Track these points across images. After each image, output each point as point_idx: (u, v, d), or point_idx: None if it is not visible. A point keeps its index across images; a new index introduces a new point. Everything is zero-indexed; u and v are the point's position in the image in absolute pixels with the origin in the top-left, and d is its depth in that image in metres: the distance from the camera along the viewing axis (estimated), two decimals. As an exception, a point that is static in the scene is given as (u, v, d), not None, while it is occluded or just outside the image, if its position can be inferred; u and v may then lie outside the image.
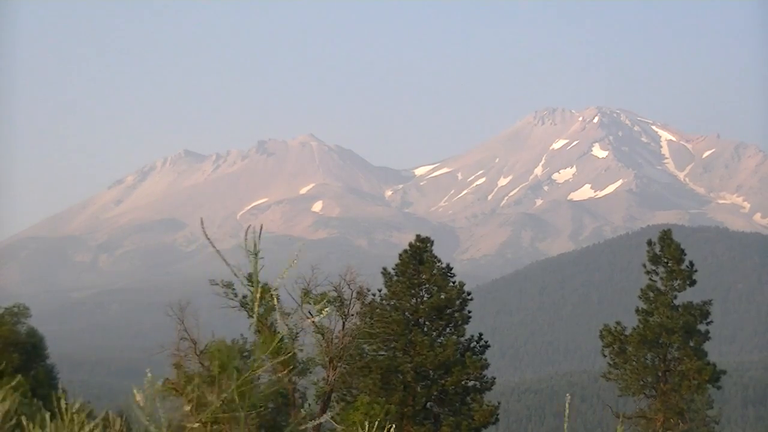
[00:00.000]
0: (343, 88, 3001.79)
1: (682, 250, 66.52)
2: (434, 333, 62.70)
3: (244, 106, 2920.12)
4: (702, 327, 65.94)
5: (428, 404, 62.21)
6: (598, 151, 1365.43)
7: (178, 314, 57.24)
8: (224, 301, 58.70)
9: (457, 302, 62.69)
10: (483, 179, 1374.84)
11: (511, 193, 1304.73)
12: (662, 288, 66.03)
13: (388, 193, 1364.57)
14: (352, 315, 61.14)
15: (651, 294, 66.23)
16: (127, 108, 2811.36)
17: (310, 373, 60.84)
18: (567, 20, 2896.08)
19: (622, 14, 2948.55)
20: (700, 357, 64.84)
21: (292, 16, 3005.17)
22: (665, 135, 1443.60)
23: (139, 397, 7.49)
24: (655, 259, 66.41)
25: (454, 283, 63.32)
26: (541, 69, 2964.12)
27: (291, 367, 59.13)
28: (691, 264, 66.39)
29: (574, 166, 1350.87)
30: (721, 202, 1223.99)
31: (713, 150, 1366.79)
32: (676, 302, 65.85)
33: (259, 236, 7.05)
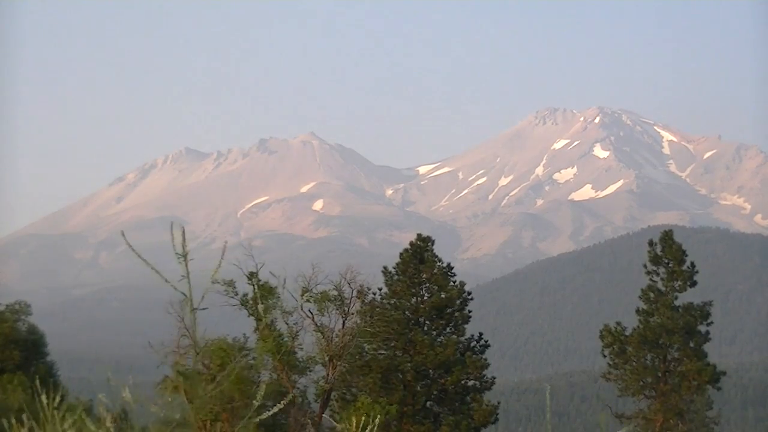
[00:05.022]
0: (345, 87, 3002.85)
1: (683, 251, 66.51)
2: (434, 332, 62.71)
3: (246, 105, 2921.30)
4: (702, 328, 65.94)
5: (428, 403, 62.21)
6: (599, 152, 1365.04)
7: (178, 312, 57.22)
8: (225, 299, 58.70)
9: (458, 302, 62.70)
10: (484, 179, 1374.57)
11: (512, 193, 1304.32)
12: (663, 289, 66.03)
13: (389, 192, 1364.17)
14: (353, 314, 61.13)
15: (651, 294, 66.24)
16: (128, 105, 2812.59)
17: (310, 371, 60.83)
18: (569, 20, 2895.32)
19: (623, 14, 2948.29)
20: (700, 358, 64.86)
21: (293, 14, 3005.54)
22: (667, 135, 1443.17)
23: (127, 394, 7.50)
24: (656, 260, 66.41)
25: (454, 282, 63.32)
26: (543, 69, 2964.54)
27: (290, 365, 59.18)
28: (692, 265, 66.39)
29: (575, 166, 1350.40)
30: (722, 203, 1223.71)
31: (714, 151, 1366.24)
32: (677, 303, 65.86)
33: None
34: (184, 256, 6.83)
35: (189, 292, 6.92)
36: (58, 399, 8.32)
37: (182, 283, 7.19)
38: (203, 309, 7.11)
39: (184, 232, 6.99)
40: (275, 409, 7.48)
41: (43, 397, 8.16)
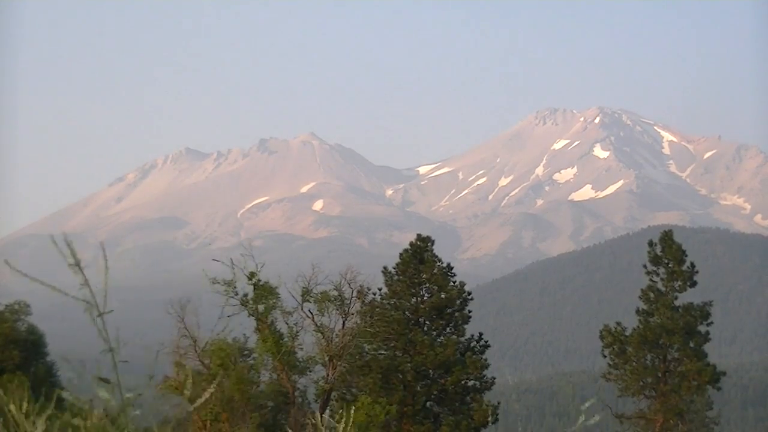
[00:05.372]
0: (345, 87, 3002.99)
1: (683, 251, 66.51)
2: (434, 332, 62.71)
3: (246, 105, 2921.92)
4: (702, 328, 65.94)
5: (428, 404, 62.21)
6: (600, 152, 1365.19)
7: (178, 312, 57.25)
8: (224, 300, 58.70)
9: (458, 302, 62.70)
10: (484, 179, 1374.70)
11: (512, 193, 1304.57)
12: (663, 289, 66.04)
13: (389, 192, 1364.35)
14: (353, 314, 61.14)
15: (651, 295, 66.24)
16: (128, 105, 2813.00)
17: (310, 371, 60.83)
18: (569, 20, 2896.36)
19: (623, 14, 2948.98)
20: (700, 358, 64.86)
21: (294, 14, 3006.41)
22: (667, 136, 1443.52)
23: (104, 394, 7.50)
24: (656, 260, 66.41)
25: (454, 282, 63.31)
26: (543, 69, 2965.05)
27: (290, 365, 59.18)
28: (692, 265, 66.38)
29: (575, 167, 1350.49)
30: (722, 203, 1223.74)
31: (714, 151, 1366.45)
32: (677, 303, 65.86)
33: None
34: (77, 264, 6.87)
35: (93, 298, 6.96)
36: (25, 405, 8.30)
37: (83, 291, 7.25)
38: (109, 312, 7.14)
39: (71, 243, 7.04)
40: (202, 398, 7.45)
41: (12, 407, 8.13)
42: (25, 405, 8.18)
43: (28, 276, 7.29)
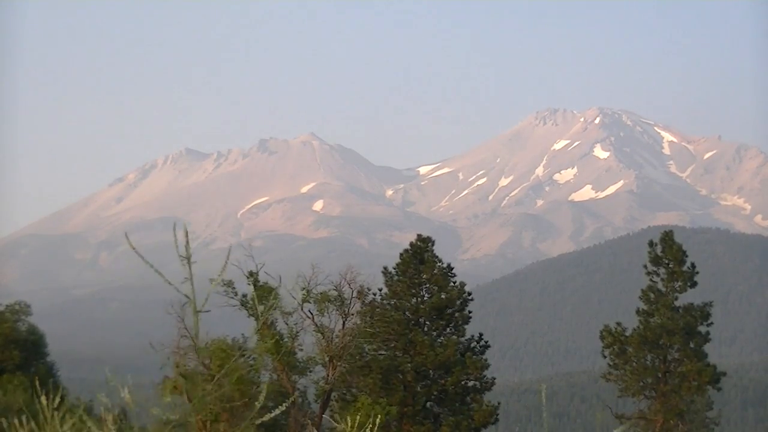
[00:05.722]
0: (345, 87, 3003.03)
1: (684, 252, 66.49)
2: (435, 333, 62.70)
3: (246, 105, 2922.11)
4: (702, 328, 65.93)
5: (428, 404, 62.20)
6: (600, 152, 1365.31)
7: (178, 312, 57.18)
8: (224, 300, 58.67)
9: (458, 302, 62.69)
10: (484, 179, 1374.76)
11: (512, 194, 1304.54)
12: (663, 289, 66.02)
13: (389, 192, 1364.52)
14: (353, 314, 61.10)
15: (652, 295, 66.23)
16: (128, 106, 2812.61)
17: (310, 372, 60.79)
18: (569, 20, 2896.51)
19: (624, 15, 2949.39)
20: (701, 358, 64.85)
21: (294, 14, 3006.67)
22: (667, 136, 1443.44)
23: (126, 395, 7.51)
24: (656, 261, 66.39)
25: (454, 283, 63.30)
26: (543, 69, 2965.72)
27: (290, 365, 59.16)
28: (693, 265, 66.37)
29: (576, 167, 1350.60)
30: (722, 203, 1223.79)
31: (715, 151, 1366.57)
32: (677, 303, 65.84)
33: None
34: (188, 258, 6.82)
35: (192, 294, 6.91)
36: (57, 400, 8.33)
37: (185, 285, 7.18)
38: (206, 311, 7.11)
39: (187, 233, 7.00)
40: (277, 412, 7.46)
41: (43, 399, 8.16)
42: (57, 400, 8.21)
43: (148, 262, 7.28)
